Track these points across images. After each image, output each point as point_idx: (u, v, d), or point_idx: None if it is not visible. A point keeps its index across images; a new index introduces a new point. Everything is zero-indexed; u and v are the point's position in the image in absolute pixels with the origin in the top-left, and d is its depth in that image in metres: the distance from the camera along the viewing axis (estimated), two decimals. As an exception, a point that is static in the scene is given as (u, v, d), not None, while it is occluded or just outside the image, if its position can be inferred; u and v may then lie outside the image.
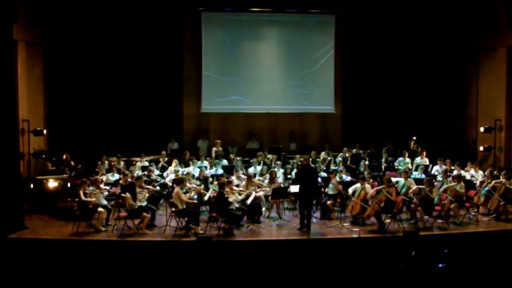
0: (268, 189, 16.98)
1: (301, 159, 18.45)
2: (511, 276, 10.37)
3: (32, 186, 18.01)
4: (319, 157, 21.15)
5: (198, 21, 24.68)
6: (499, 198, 16.42)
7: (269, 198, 16.74)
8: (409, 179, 16.67)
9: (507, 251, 12.62)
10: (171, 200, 15.29)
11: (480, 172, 19.05)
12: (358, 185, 16.04)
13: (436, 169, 19.42)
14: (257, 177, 17.85)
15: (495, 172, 17.88)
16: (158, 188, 17.22)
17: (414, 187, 16.36)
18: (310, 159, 19.09)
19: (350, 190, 16.23)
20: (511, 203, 16.77)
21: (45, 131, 21.17)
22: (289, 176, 18.05)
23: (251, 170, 18.85)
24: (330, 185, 16.96)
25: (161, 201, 17.46)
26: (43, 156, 20.54)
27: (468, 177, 18.27)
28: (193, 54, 24.75)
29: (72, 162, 19.51)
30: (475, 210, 17.11)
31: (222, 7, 24.80)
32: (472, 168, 19.11)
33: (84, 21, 22.96)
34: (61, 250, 13.90)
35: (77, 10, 22.76)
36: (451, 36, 24.47)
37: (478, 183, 17.84)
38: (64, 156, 19.61)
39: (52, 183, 17.72)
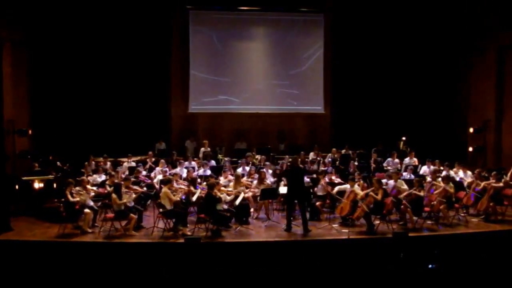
0: (257, 190, 16.92)
1: (290, 159, 18.38)
2: (501, 277, 10.31)
3: (17, 187, 17.80)
4: (308, 158, 21.06)
5: (186, 19, 24.55)
6: (488, 199, 16.40)
7: (258, 199, 16.68)
8: (399, 180, 16.59)
9: (496, 252, 12.57)
10: (159, 200, 15.18)
11: (469, 172, 18.98)
12: (347, 186, 15.98)
13: (424, 170, 19.39)
14: (245, 178, 17.76)
15: (483, 173, 17.86)
16: (145, 189, 17.11)
17: (405, 187, 16.27)
18: (299, 160, 19.10)
19: (336, 189, 16.17)
20: (500, 204, 16.77)
21: (29, 132, 20.95)
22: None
23: (239, 170, 18.76)
24: (319, 186, 16.89)
25: (149, 202, 17.34)
26: (29, 156, 20.34)
27: (457, 179, 18.24)
28: (181, 53, 24.65)
29: (58, 163, 19.33)
30: (465, 211, 17.08)
31: (210, 6, 24.69)
32: (460, 169, 19.05)
33: (70, 20, 22.82)
34: (47, 252, 13.76)
35: (63, 9, 22.62)
36: (442, 36, 24.47)
37: (466, 184, 17.85)
38: (50, 158, 19.42)
39: (37, 184, 17.54)
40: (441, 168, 19.11)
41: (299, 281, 10.17)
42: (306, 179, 17.51)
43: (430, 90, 24.90)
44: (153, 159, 20.36)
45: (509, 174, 17.96)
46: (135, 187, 16.33)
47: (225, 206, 15.47)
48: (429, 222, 16.04)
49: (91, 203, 15.60)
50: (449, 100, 24.99)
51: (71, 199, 14.96)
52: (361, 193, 15.62)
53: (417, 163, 20.13)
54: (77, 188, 15.36)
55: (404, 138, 22.66)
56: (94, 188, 16.53)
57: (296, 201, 15.61)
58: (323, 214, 16.81)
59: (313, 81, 25.34)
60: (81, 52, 23.13)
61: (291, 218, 15.48)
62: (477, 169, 18.36)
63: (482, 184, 16.73)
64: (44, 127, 22.61)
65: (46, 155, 20.21)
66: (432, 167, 19.17)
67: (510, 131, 22.11)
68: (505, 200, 16.88)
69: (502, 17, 22.14)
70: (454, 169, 19.08)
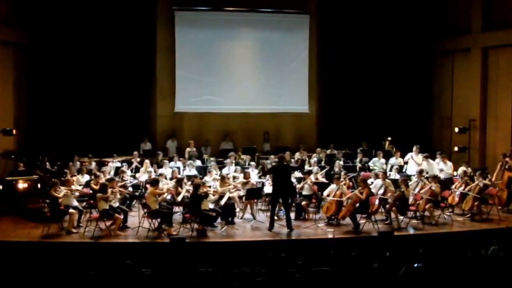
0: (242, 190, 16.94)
1: (275, 159, 18.35)
2: (486, 277, 10.31)
3: (1, 187, 17.67)
4: (293, 158, 21.05)
5: (172, 20, 24.43)
6: (473, 198, 16.47)
7: (243, 199, 16.67)
8: (386, 180, 16.60)
9: (481, 252, 12.58)
10: (144, 201, 15.13)
11: (449, 163, 19.15)
12: (333, 185, 15.98)
13: (410, 155, 19.68)
14: (230, 178, 17.73)
15: (470, 173, 17.96)
16: (130, 189, 17.04)
17: (392, 188, 16.24)
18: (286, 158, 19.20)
19: (326, 193, 16.16)
20: (485, 203, 16.86)
21: (14, 131, 20.78)
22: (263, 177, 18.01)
23: (225, 170, 18.73)
24: (305, 186, 16.88)
25: (134, 202, 17.27)
26: (13, 156, 20.19)
27: (437, 169, 18.79)
28: (167, 53, 24.48)
29: (47, 164, 19.19)
30: (450, 210, 17.16)
31: (196, 6, 24.57)
32: (440, 160, 19.18)
33: (56, 19, 22.69)
34: (32, 252, 13.65)
35: (48, 9, 22.49)
36: (426, 36, 24.56)
37: (447, 175, 18.45)
38: (40, 158, 19.28)
39: (21, 184, 17.41)
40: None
41: (286, 281, 10.13)
42: (293, 179, 17.55)
43: (415, 91, 24.99)
44: (138, 159, 20.26)
45: (494, 175, 18.11)
46: (120, 187, 16.24)
47: (211, 206, 15.45)
48: (414, 221, 16.10)
49: (76, 203, 15.53)
50: (434, 100, 25.10)
51: (58, 195, 14.88)
52: (347, 192, 15.66)
53: (402, 163, 20.17)
54: (63, 188, 15.27)
55: (389, 138, 22.65)
56: (79, 187, 16.45)
57: (280, 199, 15.64)
58: (309, 213, 16.83)
59: (298, 81, 25.24)
60: (67, 52, 22.98)
61: (275, 218, 15.53)
62: (462, 168, 18.49)
63: (468, 188, 16.78)
64: (29, 127, 22.43)
65: (31, 155, 20.04)
66: (420, 155, 19.47)
67: (494, 130, 22.22)
68: (490, 199, 17.01)
69: (486, 18, 22.27)
70: (437, 160, 19.22)
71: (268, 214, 16.42)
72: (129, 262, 10.47)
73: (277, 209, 16.00)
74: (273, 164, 18.16)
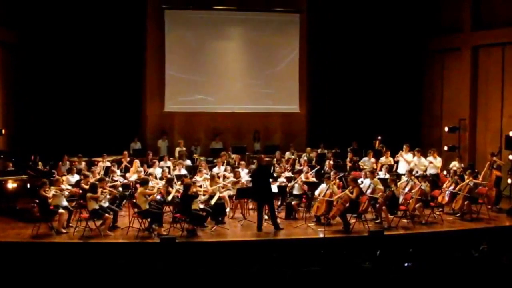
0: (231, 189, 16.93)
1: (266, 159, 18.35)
2: (475, 276, 10.36)
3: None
4: (283, 157, 21.06)
5: (161, 19, 24.37)
6: (463, 198, 16.51)
7: (233, 198, 16.66)
8: (375, 179, 16.61)
9: (471, 251, 12.63)
10: (134, 200, 15.09)
11: (438, 158, 19.32)
12: (323, 185, 15.98)
13: (401, 153, 19.81)
14: (221, 177, 17.71)
15: (460, 171, 18.03)
16: (120, 189, 16.99)
17: (381, 187, 16.24)
18: (275, 159, 19.21)
19: (316, 192, 16.15)
20: (475, 202, 16.91)
21: (3, 131, 20.70)
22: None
23: (215, 170, 18.70)
24: (296, 185, 16.88)
25: (124, 202, 17.22)
26: (1, 156, 20.10)
27: (426, 162, 19.03)
28: (156, 52, 24.43)
29: (40, 164, 19.11)
30: (440, 210, 17.20)
31: (186, 5, 24.51)
32: (430, 156, 19.30)
33: (44, 19, 22.59)
34: (21, 253, 13.60)
35: (37, 8, 22.39)
36: (417, 35, 24.61)
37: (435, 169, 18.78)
38: (32, 157, 19.20)
39: (11, 184, 17.31)
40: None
41: (276, 281, 10.14)
42: (283, 179, 17.56)
43: (405, 90, 25.02)
44: (128, 159, 20.20)
45: (482, 174, 18.16)
46: (110, 187, 16.20)
47: (201, 206, 15.43)
48: (404, 220, 16.12)
49: (66, 203, 15.46)
50: (424, 99, 25.15)
51: (49, 195, 14.82)
52: (337, 191, 15.67)
53: (392, 162, 20.20)
54: (52, 188, 15.21)
55: (379, 138, 22.66)
56: (69, 187, 16.38)
57: (264, 200, 15.61)
58: (299, 213, 16.83)
59: (288, 80, 25.24)
60: (56, 52, 22.89)
61: (265, 217, 15.52)
62: (454, 165, 18.59)
63: (458, 187, 16.84)
64: (18, 126, 22.36)
65: (20, 154, 19.96)
66: (410, 153, 19.62)
67: (484, 130, 22.28)
68: (480, 198, 17.06)
69: (476, 17, 22.33)
70: (428, 157, 19.31)
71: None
72: (119, 262, 10.46)
73: (266, 210, 15.97)
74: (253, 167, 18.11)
